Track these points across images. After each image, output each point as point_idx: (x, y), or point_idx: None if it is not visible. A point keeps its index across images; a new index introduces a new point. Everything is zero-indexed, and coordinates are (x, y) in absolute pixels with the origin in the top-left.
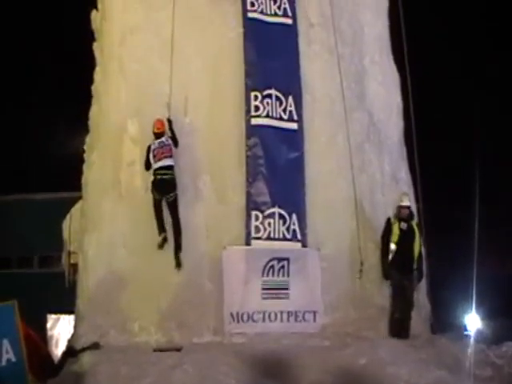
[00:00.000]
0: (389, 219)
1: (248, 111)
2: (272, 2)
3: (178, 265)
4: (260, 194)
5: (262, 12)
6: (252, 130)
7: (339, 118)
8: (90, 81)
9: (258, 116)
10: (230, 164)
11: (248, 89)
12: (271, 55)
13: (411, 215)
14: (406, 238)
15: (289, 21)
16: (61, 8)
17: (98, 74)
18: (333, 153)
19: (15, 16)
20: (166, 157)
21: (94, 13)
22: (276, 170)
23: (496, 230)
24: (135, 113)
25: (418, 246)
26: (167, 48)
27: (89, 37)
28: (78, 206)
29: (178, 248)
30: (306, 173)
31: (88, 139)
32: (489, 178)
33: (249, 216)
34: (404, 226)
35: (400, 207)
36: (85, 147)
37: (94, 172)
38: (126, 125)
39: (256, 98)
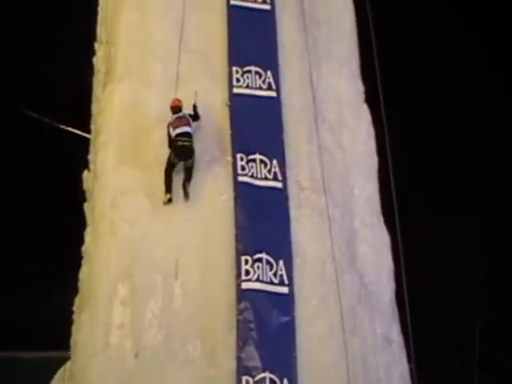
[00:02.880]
0: None
1: (239, 275)
2: (262, 166)
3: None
4: (250, 358)
5: (252, 176)
6: (242, 295)
7: (330, 281)
8: (81, 241)
9: (249, 280)
10: (221, 328)
11: (238, 253)
12: (262, 219)
13: None
14: None
15: (279, 185)
16: (52, 168)
17: (88, 235)
18: (324, 316)
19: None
20: (184, 125)
21: (85, 173)
22: (267, 334)
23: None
24: (126, 275)
25: None
26: (158, 210)
27: (80, 197)
28: (66, 367)
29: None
30: (297, 337)
31: (77, 300)
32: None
33: (239, 381)
34: None
35: None
36: (74, 308)
37: (82, 333)
38: (117, 287)
39: (246, 262)
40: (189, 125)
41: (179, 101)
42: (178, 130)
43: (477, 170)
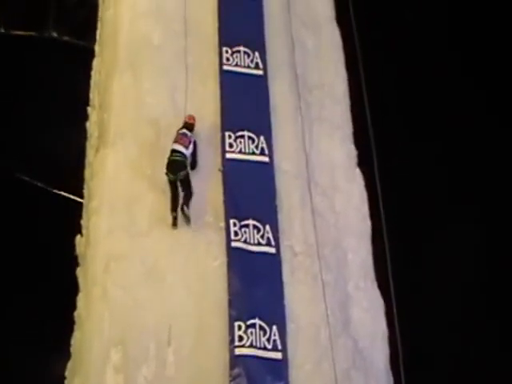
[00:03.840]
0: None
1: (232, 341)
2: (256, 232)
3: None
4: None
5: (245, 241)
6: (236, 360)
7: (324, 346)
8: (73, 306)
9: (242, 346)
10: None
11: (232, 319)
12: (255, 285)
13: None
14: None
15: (272, 250)
16: (44, 233)
17: (81, 300)
18: (318, 381)
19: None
20: (182, 145)
21: (78, 238)
22: None
23: None
24: (119, 341)
25: None
26: (151, 276)
27: (72, 262)
28: None
29: (183, 206)
30: None
31: (70, 365)
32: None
33: None
34: None
35: None
36: (66, 373)
37: None
38: (109, 353)
39: (240, 328)
40: (187, 147)
41: (194, 119)
42: (175, 146)
43: (475, 231)
